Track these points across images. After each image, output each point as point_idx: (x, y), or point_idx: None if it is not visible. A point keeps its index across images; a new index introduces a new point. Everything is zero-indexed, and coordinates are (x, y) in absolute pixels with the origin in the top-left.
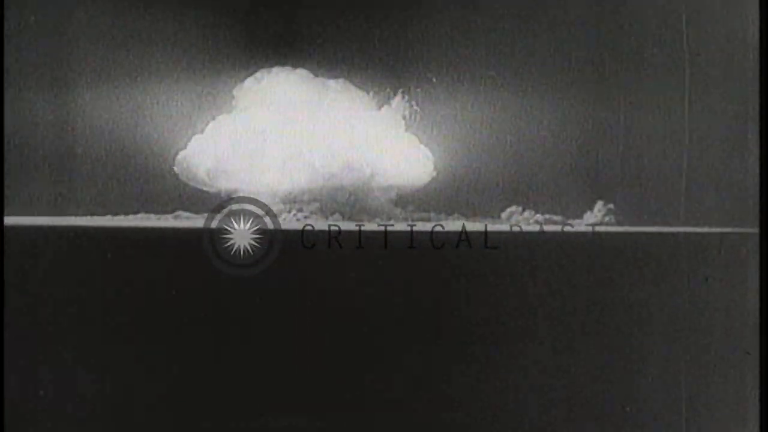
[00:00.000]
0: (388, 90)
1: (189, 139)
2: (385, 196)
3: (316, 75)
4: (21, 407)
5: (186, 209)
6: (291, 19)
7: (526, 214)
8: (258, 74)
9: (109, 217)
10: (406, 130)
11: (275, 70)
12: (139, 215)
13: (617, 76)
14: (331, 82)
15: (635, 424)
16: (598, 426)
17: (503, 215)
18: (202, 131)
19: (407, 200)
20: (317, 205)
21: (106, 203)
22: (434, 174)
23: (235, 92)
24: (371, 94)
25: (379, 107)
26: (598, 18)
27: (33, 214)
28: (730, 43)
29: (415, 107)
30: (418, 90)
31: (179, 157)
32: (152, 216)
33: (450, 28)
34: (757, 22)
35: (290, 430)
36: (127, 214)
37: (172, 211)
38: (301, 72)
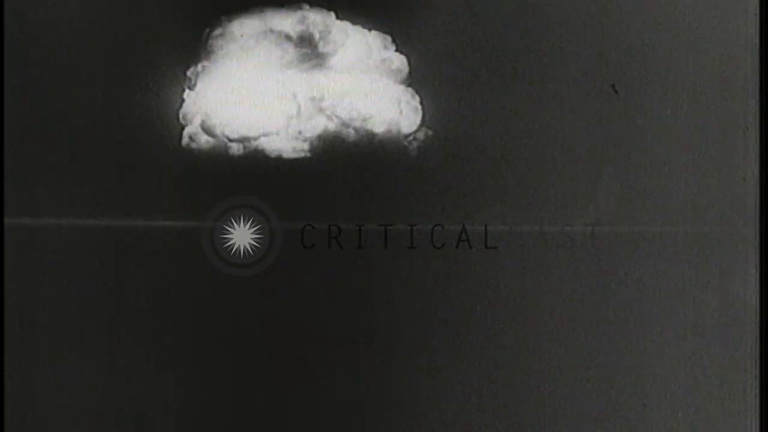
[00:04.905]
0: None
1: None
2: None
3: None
4: (21, 407)
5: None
6: None
7: (521, 214)
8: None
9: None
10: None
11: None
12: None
13: (618, 75)
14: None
15: (634, 424)
16: (597, 425)
17: (498, 215)
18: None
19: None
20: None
21: (108, 205)
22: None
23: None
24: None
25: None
26: (598, 17)
27: (33, 215)
28: (730, 43)
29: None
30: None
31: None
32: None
33: (449, 27)
34: (757, 22)
35: (289, 430)
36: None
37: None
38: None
